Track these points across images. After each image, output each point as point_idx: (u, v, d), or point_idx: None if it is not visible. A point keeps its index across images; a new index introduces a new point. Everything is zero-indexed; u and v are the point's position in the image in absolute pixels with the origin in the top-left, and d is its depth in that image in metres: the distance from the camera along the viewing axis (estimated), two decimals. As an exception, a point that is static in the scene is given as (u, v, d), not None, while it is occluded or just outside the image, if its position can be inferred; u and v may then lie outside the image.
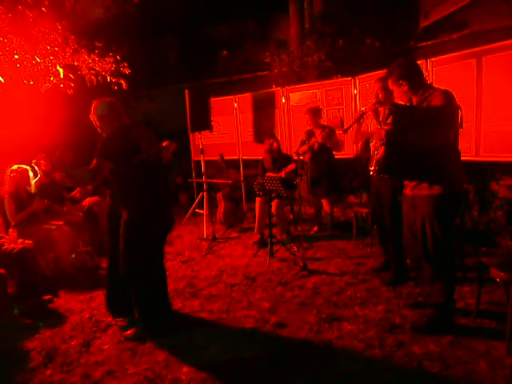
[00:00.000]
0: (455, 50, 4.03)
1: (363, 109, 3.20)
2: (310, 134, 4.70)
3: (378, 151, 2.51)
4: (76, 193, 4.90)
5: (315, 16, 7.11)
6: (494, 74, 3.69)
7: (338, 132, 4.65)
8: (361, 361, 2.34)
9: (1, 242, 3.40)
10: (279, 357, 2.44)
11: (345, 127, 3.31)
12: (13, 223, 3.81)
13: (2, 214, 3.94)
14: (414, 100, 2.55)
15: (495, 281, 2.39)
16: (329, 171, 4.71)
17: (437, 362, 2.25)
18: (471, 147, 3.94)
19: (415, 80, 2.54)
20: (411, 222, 2.65)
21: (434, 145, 2.35)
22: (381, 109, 3.10)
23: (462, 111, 2.43)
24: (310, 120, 4.67)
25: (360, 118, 3.18)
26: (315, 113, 4.68)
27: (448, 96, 2.38)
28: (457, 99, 2.44)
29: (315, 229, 5.08)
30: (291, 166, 4.86)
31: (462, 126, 2.47)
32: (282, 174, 4.82)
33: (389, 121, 2.38)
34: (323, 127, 4.62)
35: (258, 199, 4.75)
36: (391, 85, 2.61)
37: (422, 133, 2.34)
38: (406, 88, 2.54)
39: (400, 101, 2.65)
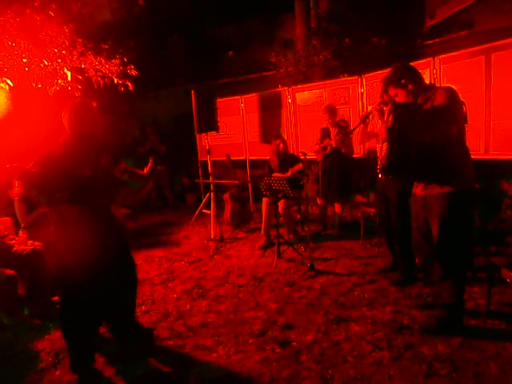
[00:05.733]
0: (462, 48, 3.98)
1: (369, 108, 3.19)
2: (325, 134, 4.65)
3: (382, 151, 2.52)
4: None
5: (321, 15, 7.08)
6: (504, 71, 3.64)
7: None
8: (369, 362, 2.32)
9: (11, 243, 3.44)
10: (286, 358, 2.43)
11: (351, 128, 3.30)
12: (23, 225, 3.84)
13: (12, 216, 3.98)
14: (419, 101, 2.54)
15: (506, 281, 2.36)
16: (341, 173, 4.65)
17: (446, 363, 2.23)
18: (480, 145, 3.90)
19: (416, 79, 2.55)
20: (421, 222, 2.62)
21: (439, 141, 2.35)
22: (386, 108, 3.08)
23: (466, 107, 2.42)
24: (328, 118, 4.62)
25: (365, 119, 3.15)
26: (333, 111, 4.63)
27: (450, 93, 2.38)
28: (462, 95, 2.43)
29: (319, 228, 5.06)
30: (298, 166, 4.84)
31: (467, 122, 2.45)
32: (289, 174, 4.79)
33: (390, 118, 2.44)
34: (340, 127, 4.54)
35: (264, 199, 4.73)
36: (393, 89, 2.60)
37: (427, 130, 2.34)
38: (410, 86, 2.53)
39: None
